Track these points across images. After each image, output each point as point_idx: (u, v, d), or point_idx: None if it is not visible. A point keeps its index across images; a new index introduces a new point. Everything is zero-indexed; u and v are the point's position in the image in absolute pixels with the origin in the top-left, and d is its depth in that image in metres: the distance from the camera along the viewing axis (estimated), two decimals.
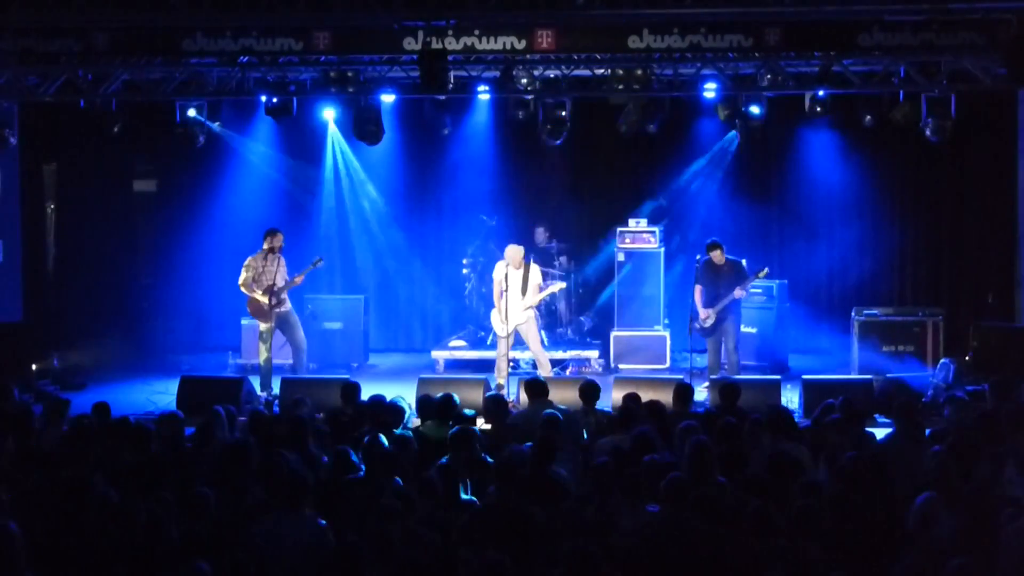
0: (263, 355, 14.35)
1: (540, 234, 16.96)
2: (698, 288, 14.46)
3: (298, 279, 14.40)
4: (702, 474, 7.69)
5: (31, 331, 15.93)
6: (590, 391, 10.68)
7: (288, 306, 14.49)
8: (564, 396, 11.28)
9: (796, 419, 10.38)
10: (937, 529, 6.76)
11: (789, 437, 9.04)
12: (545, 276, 15.77)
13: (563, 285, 15.13)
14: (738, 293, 14.37)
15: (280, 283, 14.29)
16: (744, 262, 14.84)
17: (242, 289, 14.34)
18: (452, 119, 17.08)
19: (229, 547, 6.72)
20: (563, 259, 16.83)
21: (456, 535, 7.15)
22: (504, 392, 13.17)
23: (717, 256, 14.34)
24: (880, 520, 7.14)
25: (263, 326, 14.34)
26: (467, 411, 10.42)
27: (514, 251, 14.19)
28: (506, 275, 13.98)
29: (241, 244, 16.52)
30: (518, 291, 14.11)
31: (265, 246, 14.31)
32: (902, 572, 6.41)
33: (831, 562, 6.54)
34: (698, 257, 14.52)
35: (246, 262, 14.36)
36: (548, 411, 9.69)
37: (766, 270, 14.63)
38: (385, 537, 6.68)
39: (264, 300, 14.20)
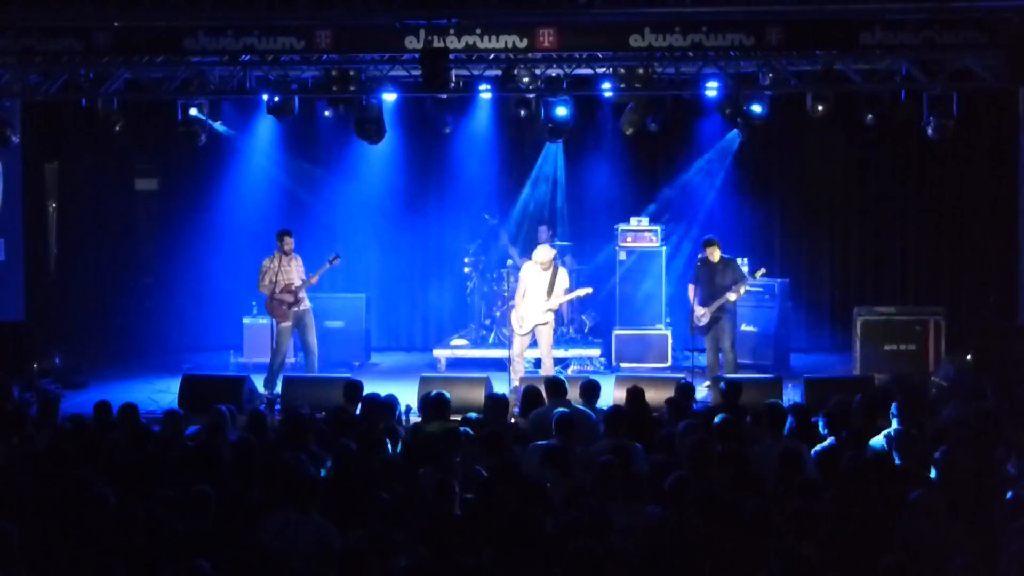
0: (278, 356, 14.35)
1: (543, 233, 16.95)
2: (692, 287, 14.46)
3: (314, 278, 14.46)
4: (703, 472, 7.69)
5: (33, 330, 15.93)
6: (591, 390, 10.66)
7: (306, 305, 14.51)
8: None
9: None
10: (937, 528, 6.77)
11: (792, 436, 9.06)
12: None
13: (590, 290, 14.98)
14: (731, 296, 14.33)
15: (298, 282, 14.34)
16: (746, 261, 14.81)
17: (262, 292, 14.40)
18: (453, 118, 17.11)
19: (233, 547, 6.72)
20: (565, 258, 16.83)
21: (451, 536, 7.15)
22: (517, 394, 13.03)
23: (713, 253, 14.30)
24: (880, 520, 7.14)
25: (281, 326, 14.36)
26: (471, 414, 10.40)
27: (545, 252, 14.21)
28: (537, 276, 14.01)
29: (243, 243, 16.57)
30: (543, 292, 14.08)
31: (278, 247, 14.38)
32: (900, 570, 6.39)
33: (831, 562, 6.54)
34: (700, 256, 14.52)
35: (262, 265, 14.42)
36: (560, 411, 9.63)
37: (763, 270, 14.62)
38: (386, 537, 6.69)
39: (285, 298, 14.25)
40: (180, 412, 10.24)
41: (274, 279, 14.29)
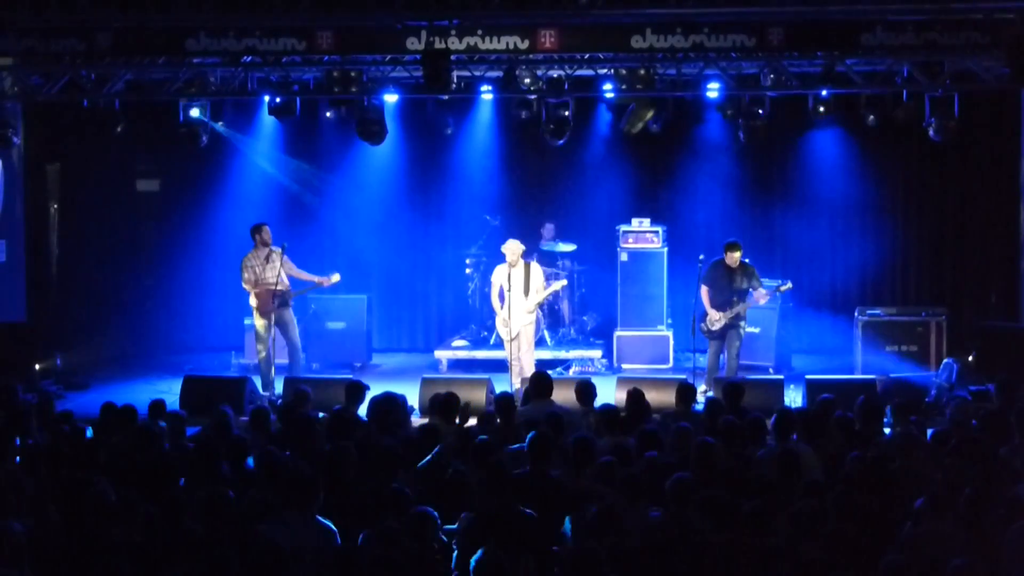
0: (261, 354, 14.31)
1: (548, 231, 16.94)
2: (705, 289, 14.19)
3: (291, 294, 14.35)
4: (708, 475, 7.70)
5: (34, 331, 15.93)
6: (587, 391, 10.65)
7: (288, 305, 14.45)
8: (560, 396, 11.14)
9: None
10: (939, 529, 6.77)
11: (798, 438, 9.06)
12: (547, 276, 15.72)
13: (564, 283, 15.07)
14: (761, 300, 14.19)
15: (284, 287, 14.25)
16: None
17: (245, 287, 14.35)
18: (455, 119, 17.13)
19: (232, 548, 6.73)
20: (566, 258, 16.82)
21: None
22: (519, 396, 13.00)
23: (733, 258, 14.05)
24: (881, 521, 7.14)
25: (259, 324, 14.30)
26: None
27: (514, 245, 13.89)
28: (508, 276, 13.86)
29: (243, 244, 16.48)
30: (520, 292, 13.92)
31: (256, 243, 14.29)
32: (901, 571, 6.39)
33: (832, 563, 6.53)
34: (701, 257, 14.42)
35: (243, 263, 14.33)
36: (551, 409, 9.66)
37: (789, 284, 14.50)
38: (386, 536, 6.70)
39: (264, 300, 14.18)
40: (174, 410, 10.26)
41: (260, 278, 14.19)
